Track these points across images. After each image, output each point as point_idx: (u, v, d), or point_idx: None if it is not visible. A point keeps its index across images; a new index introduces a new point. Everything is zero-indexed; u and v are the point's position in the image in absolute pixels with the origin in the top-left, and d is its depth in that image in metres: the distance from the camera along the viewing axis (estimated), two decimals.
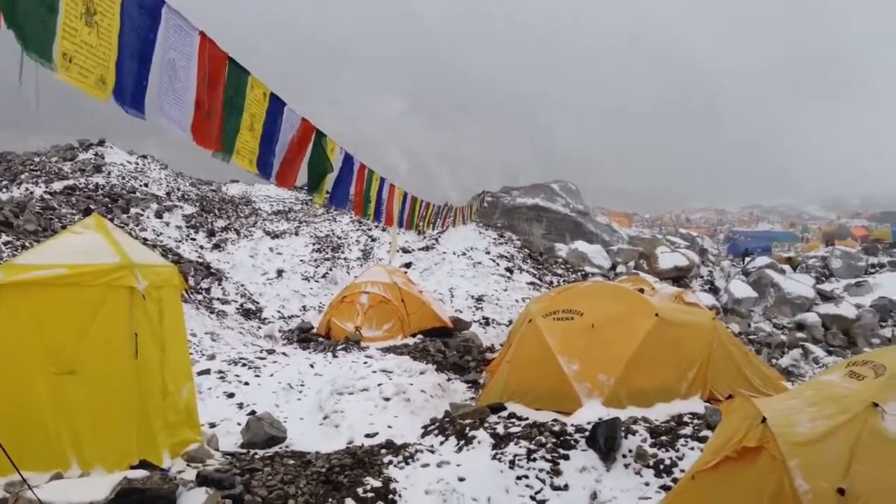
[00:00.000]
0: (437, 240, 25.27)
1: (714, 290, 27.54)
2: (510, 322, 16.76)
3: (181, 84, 5.05)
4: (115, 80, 4.29)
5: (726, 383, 8.16)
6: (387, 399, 8.93)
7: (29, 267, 5.91)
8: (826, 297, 25.91)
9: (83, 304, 5.85)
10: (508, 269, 22.95)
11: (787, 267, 32.48)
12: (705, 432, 6.92)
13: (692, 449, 6.64)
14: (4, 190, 21.41)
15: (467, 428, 7.57)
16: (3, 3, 3.42)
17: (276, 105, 6.68)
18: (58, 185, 22.02)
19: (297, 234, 24.80)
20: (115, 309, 5.89)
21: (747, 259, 37.64)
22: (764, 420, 3.99)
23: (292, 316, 17.98)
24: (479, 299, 19.20)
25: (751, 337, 19.64)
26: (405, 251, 24.34)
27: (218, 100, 5.60)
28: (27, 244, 13.94)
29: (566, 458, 6.69)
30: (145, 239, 18.80)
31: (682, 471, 6.21)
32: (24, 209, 16.73)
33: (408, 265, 22.49)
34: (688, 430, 7.05)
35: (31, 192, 20.86)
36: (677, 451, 6.66)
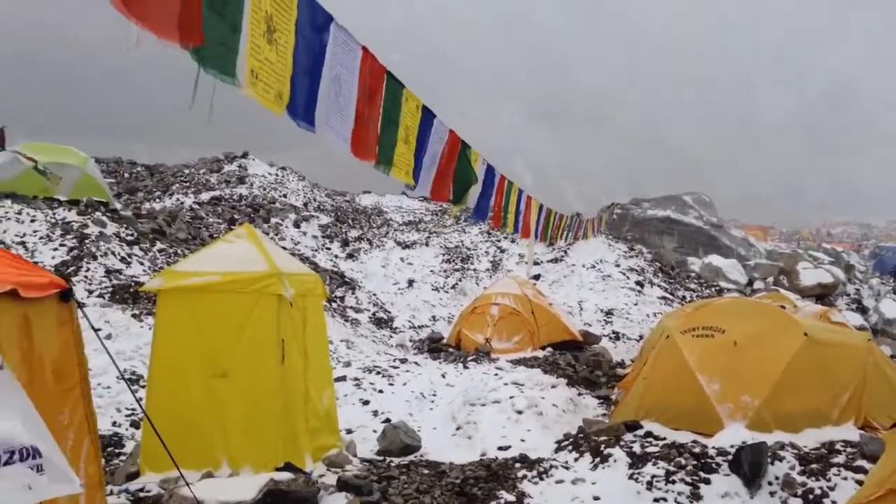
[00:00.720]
0: (566, 252, 25.02)
1: (862, 310, 25.79)
2: (641, 337, 16.37)
3: (344, 98, 5.25)
4: (289, 95, 4.52)
5: (883, 410, 7.62)
6: (519, 412, 8.91)
7: (187, 273, 6.32)
8: None
9: (236, 310, 6.18)
10: (639, 283, 22.40)
11: None
12: (860, 462, 6.49)
13: (845, 479, 6.23)
14: (157, 200, 22.98)
15: (602, 445, 7.44)
16: (195, 23, 3.59)
17: (427, 117, 6.82)
18: (205, 196, 23.43)
19: (427, 244, 25.21)
20: (265, 315, 6.19)
21: None
22: None
23: (422, 326, 18.28)
24: (609, 313, 18.88)
25: None
26: (534, 263, 24.25)
27: (376, 112, 5.79)
28: (179, 251, 14.88)
29: (707, 482, 6.44)
30: (284, 248, 19.65)
31: (834, 502, 5.85)
32: (176, 218, 17.89)
33: (537, 277, 22.39)
34: (840, 459, 6.63)
35: (182, 203, 22.30)
36: (829, 480, 6.27)
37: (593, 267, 23.34)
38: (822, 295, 26.32)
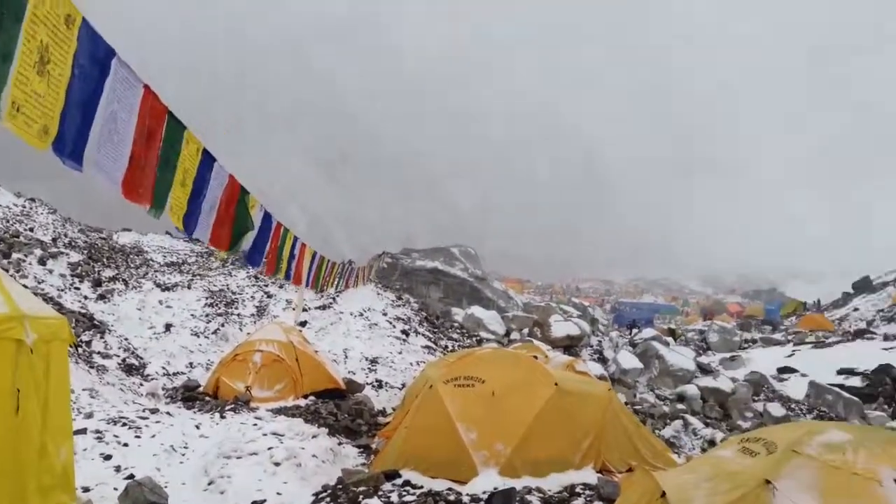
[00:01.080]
0: (334, 299, 24.96)
1: (603, 360, 28.25)
2: (403, 385, 16.63)
3: (119, 137, 4.98)
4: (57, 131, 4.21)
5: (619, 455, 8.32)
6: (277, 464, 8.61)
7: None
8: (705, 371, 27.00)
9: None
10: (404, 332, 22.85)
11: (670, 339, 33.82)
12: (597, 503, 7.00)
13: None
14: None
15: (361, 496, 7.39)
16: None
17: (207, 161, 6.56)
18: None
19: (189, 287, 23.87)
20: (0, 362, 5.52)
21: (634, 330, 39.05)
22: (663, 494, 4.07)
23: (178, 373, 17.18)
24: (374, 361, 19.01)
25: (636, 407, 20.14)
26: (303, 310, 23.88)
27: (154, 154, 5.49)
28: None
29: None
30: (25, 286, 17.66)
31: None
32: None
33: (303, 324, 22.06)
34: (580, 501, 7.11)
35: None
36: None
37: (361, 315, 23.48)
38: (570, 346, 28.50)
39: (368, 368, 18.38)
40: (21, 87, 3.76)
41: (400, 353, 20.32)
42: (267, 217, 9.55)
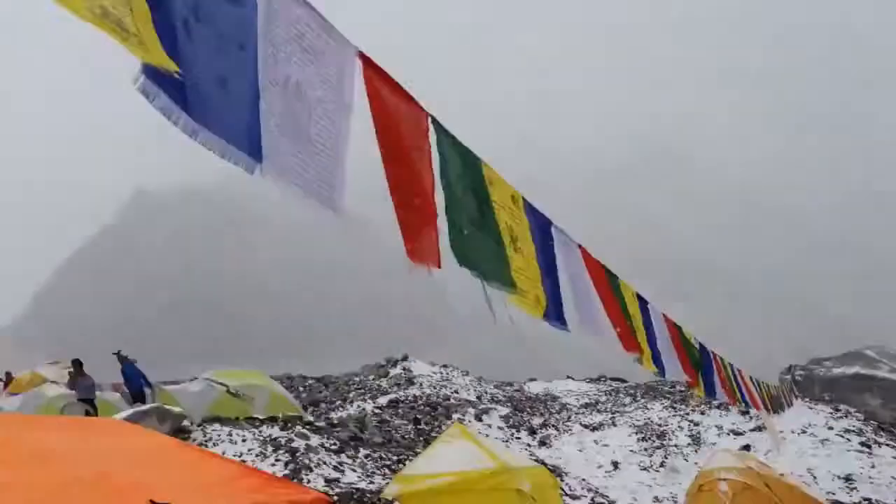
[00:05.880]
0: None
1: None
2: None
3: (586, 297, 5.30)
4: (545, 299, 4.54)
5: None
6: None
7: (419, 477, 6.62)
8: None
9: None
10: (864, 444, 19.90)
11: None
12: None
13: None
14: (340, 408, 23.15)
15: None
16: (458, 245, 3.62)
17: (642, 304, 6.77)
18: (382, 400, 23.41)
19: (614, 424, 23.78)
20: None
21: None
22: None
23: None
24: (847, 479, 17.31)
25: None
26: (736, 433, 22.14)
27: (615, 307, 5.80)
28: (383, 455, 14.82)
29: None
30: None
31: None
32: (365, 423, 17.81)
33: (746, 447, 20.29)
34: None
35: (363, 409, 22.30)
36: None
37: (804, 432, 21.08)
38: None
39: (846, 487, 16.88)
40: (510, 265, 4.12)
41: (873, 466, 18.14)
42: (700, 345, 9.06)
